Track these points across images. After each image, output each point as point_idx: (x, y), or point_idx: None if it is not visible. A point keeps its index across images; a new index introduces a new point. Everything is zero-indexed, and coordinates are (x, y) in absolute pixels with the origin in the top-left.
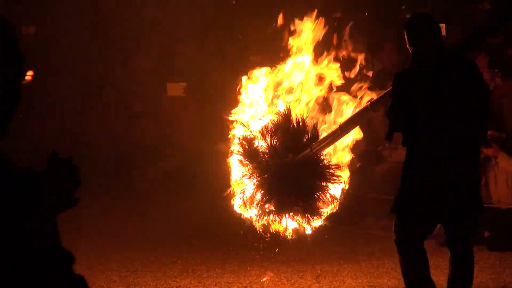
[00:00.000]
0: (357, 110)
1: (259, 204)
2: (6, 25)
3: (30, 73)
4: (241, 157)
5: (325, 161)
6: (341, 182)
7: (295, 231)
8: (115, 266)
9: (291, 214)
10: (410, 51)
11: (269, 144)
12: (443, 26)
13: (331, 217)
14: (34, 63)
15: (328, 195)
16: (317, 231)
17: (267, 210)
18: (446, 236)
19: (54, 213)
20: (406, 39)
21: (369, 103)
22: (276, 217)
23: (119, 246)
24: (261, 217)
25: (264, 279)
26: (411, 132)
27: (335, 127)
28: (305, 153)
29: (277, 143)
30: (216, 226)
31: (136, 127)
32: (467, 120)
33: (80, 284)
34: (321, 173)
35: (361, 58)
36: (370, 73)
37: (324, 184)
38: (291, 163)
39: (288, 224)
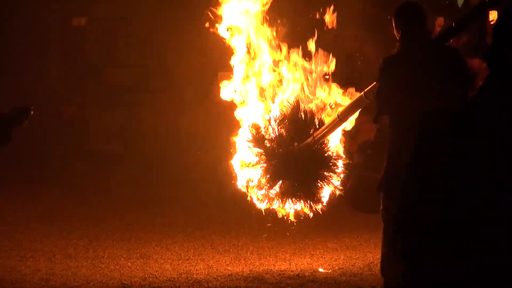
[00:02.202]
0: (354, 98)
1: (265, 189)
2: None
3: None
4: (250, 143)
5: (329, 152)
6: (341, 173)
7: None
8: (169, 255)
9: (294, 199)
10: (397, 38)
11: (277, 132)
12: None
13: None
14: (87, 54)
15: (329, 184)
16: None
17: (272, 195)
18: None
19: None
20: (394, 26)
21: (363, 91)
22: (280, 202)
23: (175, 234)
24: (269, 202)
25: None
26: (396, 115)
27: (334, 115)
28: (308, 141)
29: (284, 132)
30: (273, 214)
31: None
32: (451, 103)
33: None
34: (324, 163)
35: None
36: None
37: (327, 173)
38: (296, 152)
39: (291, 209)
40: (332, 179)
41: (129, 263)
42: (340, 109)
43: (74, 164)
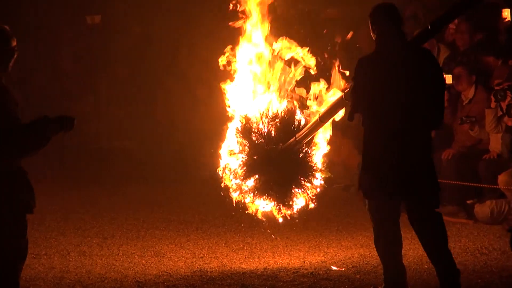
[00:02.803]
0: (334, 100)
1: (240, 179)
2: None
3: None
4: (237, 133)
5: (311, 162)
6: (318, 186)
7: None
8: (184, 252)
9: (265, 197)
10: (374, 39)
11: (266, 129)
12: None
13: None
14: (101, 52)
15: (304, 193)
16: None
17: (245, 188)
18: (409, 215)
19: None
20: (370, 27)
21: (343, 93)
22: (252, 197)
23: (189, 232)
24: (241, 193)
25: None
26: (370, 113)
27: (315, 117)
28: (290, 141)
29: (274, 131)
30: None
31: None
32: (424, 104)
33: None
34: (304, 171)
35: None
36: None
37: (304, 182)
38: (279, 151)
39: (260, 207)
40: (308, 189)
41: (143, 261)
42: (321, 111)
43: (87, 162)
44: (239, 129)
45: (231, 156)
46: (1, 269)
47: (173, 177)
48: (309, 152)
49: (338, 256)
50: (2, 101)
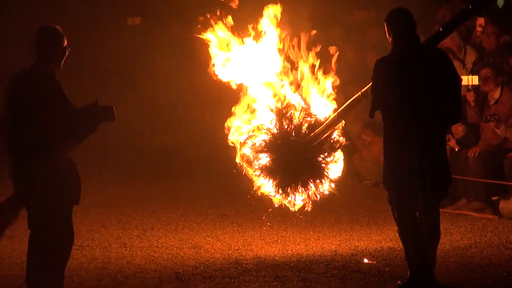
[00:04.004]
0: (352, 98)
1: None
2: None
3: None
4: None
5: (326, 170)
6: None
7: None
8: (220, 245)
9: (269, 177)
10: (390, 41)
11: (298, 122)
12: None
13: None
14: (141, 52)
15: (306, 190)
16: None
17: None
18: (418, 203)
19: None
20: (386, 31)
21: (360, 92)
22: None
23: (226, 225)
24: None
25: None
26: (388, 111)
27: (334, 114)
28: (310, 136)
29: (303, 125)
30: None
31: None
32: (438, 102)
33: None
34: (314, 172)
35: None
36: None
37: (312, 180)
38: (300, 145)
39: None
40: (310, 190)
41: (181, 253)
42: (340, 108)
43: (129, 158)
44: (276, 108)
45: (258, 132)
46: (51, 255)
47: (211, 172)
48: (327, 159)
49: (368, 249)
50: (58, 90)
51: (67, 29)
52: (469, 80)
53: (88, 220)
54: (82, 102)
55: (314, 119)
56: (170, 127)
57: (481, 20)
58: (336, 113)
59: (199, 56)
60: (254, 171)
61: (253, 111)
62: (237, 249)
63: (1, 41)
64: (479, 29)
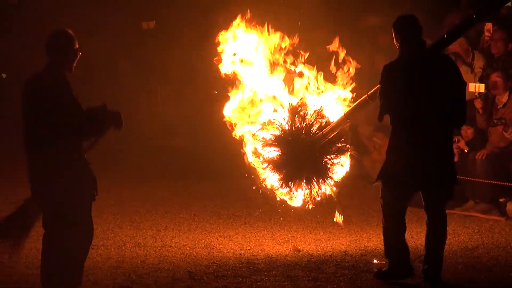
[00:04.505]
0: (359, 100)
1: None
2: None
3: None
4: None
5: (329, 171)
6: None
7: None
8: (232, 245)
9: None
10: (397, 47)
11: (311, 122)
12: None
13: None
14: (155, 56)
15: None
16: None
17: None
18: (424, 203)
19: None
20: (393, 36)
21: (367, 94)
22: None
23: (238, 225)
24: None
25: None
26: (396, 115)
27: (341, 115)
28: (319, 134)
29: (314, 125)
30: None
31: None
32: (443, 106)
33: None
34: (319, 170)
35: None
36: None
37: (315, 179)
38: (308, 144)
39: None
40: (313, 189)
41: (194, 252)
42: (347, 109)
43: (143, 159)
44: (291, 105)
45: (269, 126)
46: (71, 251)
47: (223, 173)
48: (333, 161)
49: (378, 250)
50: (68, 91)
51: (82, 33)
52: (476, 87)
53: (103, 220)
54: (96, 104)
55: (325, 120)
56: (182, 128)
57: (489, 26)
58: (343, 114)
59: (212, 57)
60: (261, 163)
61: (260, 104)
62: (249, 249)
63: (20, 45)
64: (487, 34)
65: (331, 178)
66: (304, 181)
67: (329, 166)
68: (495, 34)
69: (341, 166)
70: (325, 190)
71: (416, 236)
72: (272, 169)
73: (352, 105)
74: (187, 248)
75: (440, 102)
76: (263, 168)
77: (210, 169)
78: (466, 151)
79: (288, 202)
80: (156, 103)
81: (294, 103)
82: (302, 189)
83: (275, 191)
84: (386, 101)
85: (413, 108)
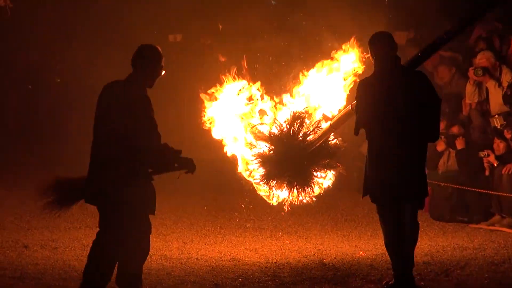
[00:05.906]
0: (343, 111)
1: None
2: None
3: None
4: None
5: (313, 177)
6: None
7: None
8: (258, 258)
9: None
10: (373, 62)
11: (303, 131)
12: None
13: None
14: (181, 68)
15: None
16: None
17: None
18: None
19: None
20: (370, 52)
21: (350, 105)
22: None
23: (264, 238)
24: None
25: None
26: (371, 129)
27: (328, 124)
28: (307, 142)
29: (308, 136)
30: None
31: None
32: (416, 120)
33: None
34: (304, 176)
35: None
36: None
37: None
38: (298, 148)
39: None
40: (293, 192)
41: (220, 265)
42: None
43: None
44: (294, 112)
45: (256, 128)
46: (134, 264)
47: (249, 186)
48: (318, 172)
49: None
50: (147, 107)
51: (111, 48)
52: (496, 121)
53: None
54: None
55: (322, 131)
56: (210, 139)
57: None
58: (328, 124)
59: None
60: (251, 156)
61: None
62: (275, 262)
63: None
64: None
65: (311, 188)
66: (285, 183)
67: (313, 176)
68: None
69: (324, 179)
70: (303, 198)
71: (442, 251)
72: (259, 163)
73: (337, 115)
74: (213, 260)
75: (413, 117)
76: (251, 161)
77: (235, 183)
78: (495, 165)
79: (267, 200)
80: (184, 114)
81: (300, 109)
82: (281, 190)
83: (255, 185)
84: (361, 115)
85: (386, 123)
